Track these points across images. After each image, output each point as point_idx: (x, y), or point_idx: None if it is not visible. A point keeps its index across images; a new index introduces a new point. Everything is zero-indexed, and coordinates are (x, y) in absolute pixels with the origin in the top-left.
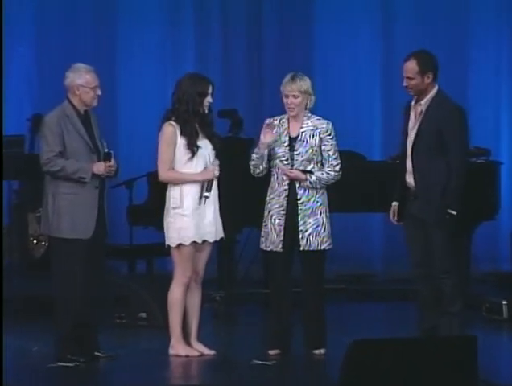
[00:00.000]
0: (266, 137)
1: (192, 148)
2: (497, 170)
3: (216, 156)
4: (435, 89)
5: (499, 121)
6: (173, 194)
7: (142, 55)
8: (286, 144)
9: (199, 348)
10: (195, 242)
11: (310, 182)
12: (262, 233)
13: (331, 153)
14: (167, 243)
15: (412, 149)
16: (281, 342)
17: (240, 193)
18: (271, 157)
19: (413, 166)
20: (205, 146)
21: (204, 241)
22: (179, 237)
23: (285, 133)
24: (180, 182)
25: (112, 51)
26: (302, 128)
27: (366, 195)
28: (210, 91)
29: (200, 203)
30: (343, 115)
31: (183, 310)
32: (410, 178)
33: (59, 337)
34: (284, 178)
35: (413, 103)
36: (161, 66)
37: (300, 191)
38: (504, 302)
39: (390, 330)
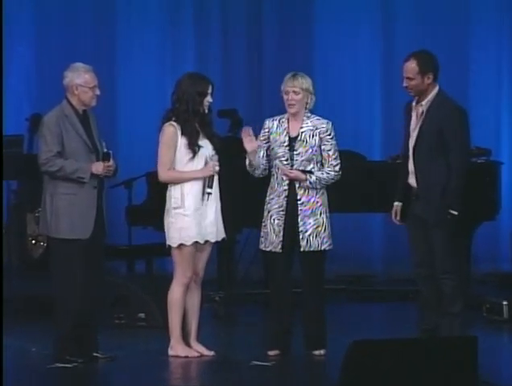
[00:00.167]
0: (248, 146)
1: (194, 148)
2: (498, 170)
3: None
4: (436, 89)
5: (500, 120)
6: (174, 194)
7: (141, 55)
8: (285, 144)
9: (198, 349)
10: (196, 242)
11: (310, 183)
12: (262, 233)
13: (331, 153)
14: (167, 243)
15: (414, 149)
16: (281, 342)
17: (240, 193)
18: (271, 157)
19: (414, 167)
20: (206, 146)
21: (206, 241)
22: (180, 237)
23: (285, 133)
24: (181, 181)
25: (111, 50)
26: (302, 128)
27: (366, 195)
28: (210, 90)
29: (203, 200)
30: (343, 115)
31: (182, 310)
32: (412, 179)
33: (57, 337)
34: (284, 178)
35: (414, 103)
36: (160, 66)
37: (300, 192)
38: (504, 303)
39: (390, 331)
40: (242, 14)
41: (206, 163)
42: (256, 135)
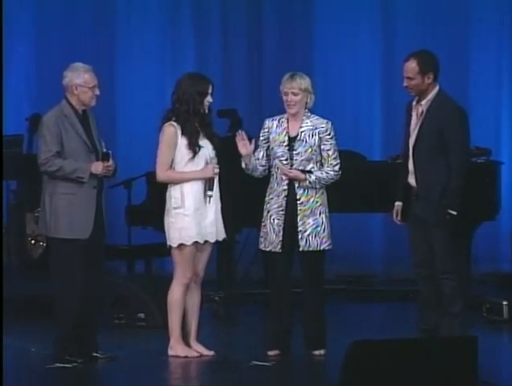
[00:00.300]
0: (242, 150)
1: (194, 148)
2: (498, 170)
3: (216, 156)
4: (436, 89)
5: (500, 120)
6: (174, 194)
7: (141, 55)
8: (285, 144)
9: (198, 349)
10: (196, 242)
11: (309, 182)
12: (261, 233)
13: (330, 152)
14: (168, 243)
15: (413, 149)
16: (280, 342)
17: (239, 193)
18: (271, 156)
19: (414, 166)
20: (206, 146)
21: (206, 241)
22: (180, 237)
23: (284, 132)
24: (179, 181)
25: (111, 50)
26: (301, 127)
27: (366, 195)
28: (210, 90)
29: (204, 202)
30: (343, 115)
31: (182, 310)
32: (411, 178)
33: (57, 337)
34: (283, 177)
35: (414, 103)
36: (160, 66)
37: (299, 191)
38: (504, 303)
39: (391, 331)
40: (242, 14)
41: (206, 164)
42: (250, 138)
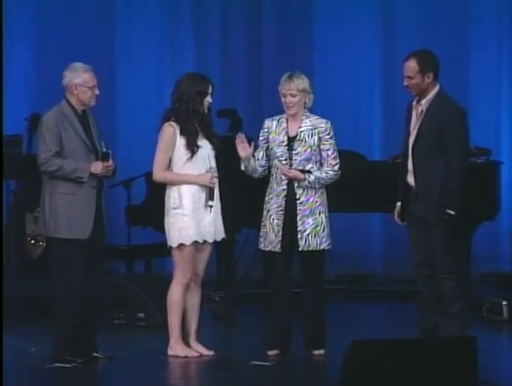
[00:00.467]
0: (241, 153)
1: (192, 148)
2: (498, 170)
3: (216, 157)
4: (436, 89)
5: (500, 120)
6: (172, 194)
7: (140, 55)
8: (284, 144)
9: (198, 349)
10: (196, 242)
11: (308, 182)
12: (261, 233)
13: (330, 152)
14: (168, 243)
15: (413, 148)
16: (280, 342)
17: (239, 193)
18: (270, 156)
19: (413, 166)
20: (205, 146)
21: (205, 241)
22: (180, 237)
23: (283, 132)
24: (175, 183)
25: (111, 50)
26: (300, 127)
27: (366, 195)
28: (210, 90)
29: (205, 211)
30: (343, 115)
31: (182, 310)
32: (410, 178)
33: (57, 337)
34: (283, 177)
35: (414, 103)
36: (160, 65)
37: (299, 191)
38: (504, 303)
39: (390, 331)
40: (242, 14)
41: (205, 165)
42: (249, 141)
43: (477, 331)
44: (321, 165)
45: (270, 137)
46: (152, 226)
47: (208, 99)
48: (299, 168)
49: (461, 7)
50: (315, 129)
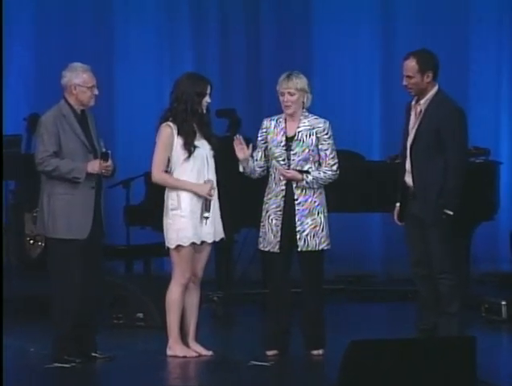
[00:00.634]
0: (239, 155)
1: (189, 148)
2: (497, 170)
3: (215, 158)
4: (435, 89)
5: (499, 120)
6: (170, 195)
7: (139, 55)
8: (282, 144)
9: (196, 349)
10: (194, 243)
11: (306, 182)
12: (260, 233)
13: (328, 152)
14: (166, 244)
15: (411, 148)
16: (279, 342)
17: (238, 193)
18: (269, 157)
19: (411, 165)
20: (203, 146)
21: (203, 242)
22: (177, 238)
23: (282, 132)
24: (172, 187)
25: (110, 50)
26: (299, 127)
27: (365, 195)
28: (208, 91)
29: (201, 224)
30: (342, 115)
31: (181, 310)
32: (408, 177)
33: (56, 337)
34: (281, 178)
35: (413, 103)
36: (159, 65)
37: (297, 191)
38: (503, 303)
39: (390, 331)
40: (240, 14)
41: (203, 164)
42: (248, 142)
43: (476, 331)
44: (320, 165)
45: (269, 137)
46: (151, 226)
47: (207, 99)
48: (297, 168)
49: (461, 7)
50: (314, 129)
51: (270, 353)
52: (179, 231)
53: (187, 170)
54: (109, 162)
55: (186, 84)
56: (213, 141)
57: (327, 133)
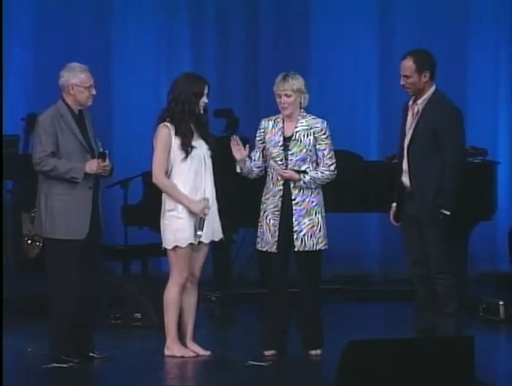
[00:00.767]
0: (237, 155)
1: (186, 148)
2: (494, 170)
3: (212, 158)
4: (433, 88)
5: (497, 120)
6: (168, 196)
7: (137, 55)
8: (280, 144)
9: (194, 349)
10: (191, 243)
11: (304, 182)
12: (258, 233)
13: (325, 152)
14: (163, 245)
15: (408, 148)
16: (277, 342)
17: (236, 193)
18: (267, 157)
19: (409, 166)
20: (200, 147)
21: (200, 242)
22: (175, 239)
23: (279, 133)
24: (168, 194)
25: (107, 50)
26: (296, 127)
27: (363, 195)
28: (206, 91)
29: (195, 241)
30: (340, 115)
31: (178, 310)
32: (405, 177)
33: (54, 337)
34: (279, 178)
35: (411, 103)
36: (156, 66)
37: (295, 191)
38: (501, 303)
39: (387, 331)
40: (239, 14)
41: (201, 164)
42: (245, 143)
43: (474, 331)
44: (317, 165)
45: (267, 137)
46: (149, 226)
47: (204, 99)
48: (295, 168)
49: (460, 7)
50: (311, 129)
51: (267, 353)
52: (177, 232)
53: (185, 170)
54: (107, 162)
55: (183, 84)
56: (211, 141)
57: (324, 133)
